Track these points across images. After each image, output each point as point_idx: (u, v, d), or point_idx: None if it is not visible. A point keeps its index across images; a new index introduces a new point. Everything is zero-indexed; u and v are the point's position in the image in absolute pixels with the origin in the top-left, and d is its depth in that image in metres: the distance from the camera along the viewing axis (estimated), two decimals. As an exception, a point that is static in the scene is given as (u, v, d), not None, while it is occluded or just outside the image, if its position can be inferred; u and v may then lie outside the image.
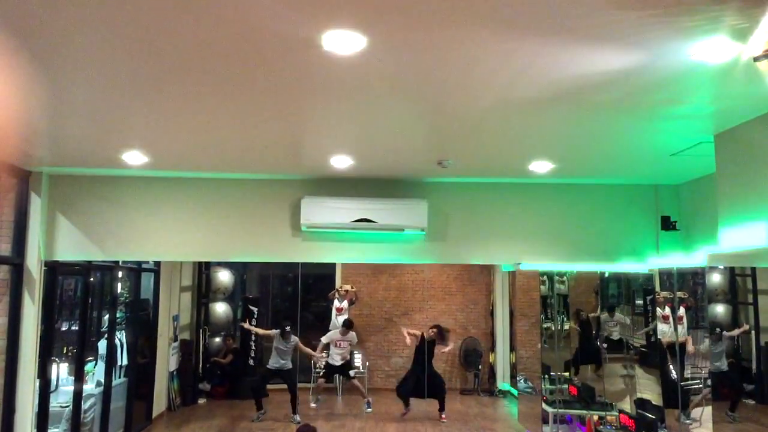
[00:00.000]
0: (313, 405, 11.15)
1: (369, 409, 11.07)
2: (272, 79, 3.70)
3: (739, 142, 4.65)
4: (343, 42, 3.10)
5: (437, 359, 12.91)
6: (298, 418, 10.17)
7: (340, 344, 11.21)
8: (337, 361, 11.14)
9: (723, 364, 6.33)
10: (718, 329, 6.47)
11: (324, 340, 11.27)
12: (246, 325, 11.93)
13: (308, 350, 10.84)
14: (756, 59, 3.18)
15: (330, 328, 12.42)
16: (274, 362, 10.48)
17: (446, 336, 10.85)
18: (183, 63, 3.43)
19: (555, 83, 3.70)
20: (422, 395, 10.47)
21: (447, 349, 11.22)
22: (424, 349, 10.62)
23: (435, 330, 10.74)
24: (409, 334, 10.88)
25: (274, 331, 10.73)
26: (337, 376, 12.12)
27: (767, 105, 4.18)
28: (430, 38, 3.07)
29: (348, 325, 11.39)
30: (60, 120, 4.65)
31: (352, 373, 11.42)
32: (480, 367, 12.92)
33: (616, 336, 8.34)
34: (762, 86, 3.75)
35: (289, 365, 10.53)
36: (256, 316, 12.24)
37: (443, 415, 10.45)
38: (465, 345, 13.06)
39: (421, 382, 10.42)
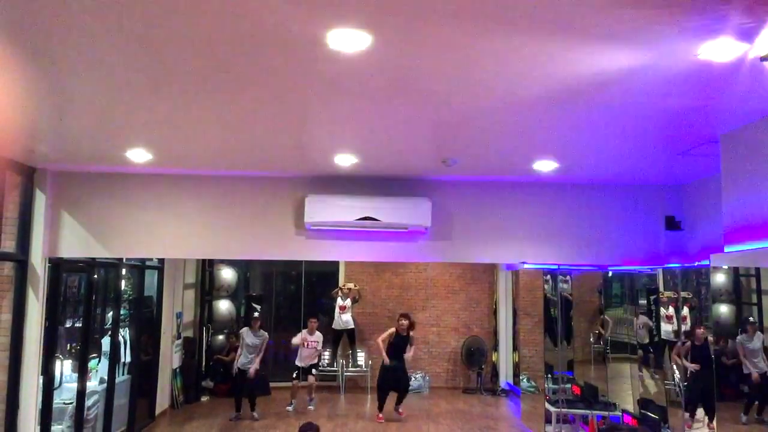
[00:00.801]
0: (288, 408, 10.71)
1: (311, 406, 10.93)
2: (277, 77, 3.70)
3: (745, 142, 4.63)
4: (348, 40, 3.10)
5: (439, 358, 12.94)
6: (256, 415, 10.10)
7: (308, 344, 10.96)
8: (304, 362, 10.89)
9: (761, 362, 6.11)
10: (751, 318, 6.31)
11: (294, 341, 11.07)
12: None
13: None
14: (763, 59, 3.18)
15: (333, 326, 12.42)
16: (243, 360, 10.23)
17: (413, 323, 10.64)
18: (188, 61, 3.44)
19: (560, 82, 3.70)
20: (395, 389, 10.33)
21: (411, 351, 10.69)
22: (399, 342, 10.46)
23: (405, 321, 10.41)
24: (382, 341, 10.53)
25: (243, 330, 10.56)
26: (339, 375, 12.14)
27: (773, 105, 4.17)
28: (435, 37, 3.07)
29: (314, 314, 11.32)
30: (64, 117, 4.65)
31: (313, 371, 11.11)
32: (483, 366, 12.90)
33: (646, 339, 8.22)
34: (768, 86, 3.74)
35: (256, 366, 10.28)
36: (259, 314, 12.24)
37: (401, 410, 10.31)
38: (468, 344, 13.05)
39: (395, 376, 10.30)
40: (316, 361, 11.23)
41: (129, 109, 4.43)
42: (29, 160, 6.32)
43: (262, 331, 10.43)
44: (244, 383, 10.28)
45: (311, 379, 11.00)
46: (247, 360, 10.24)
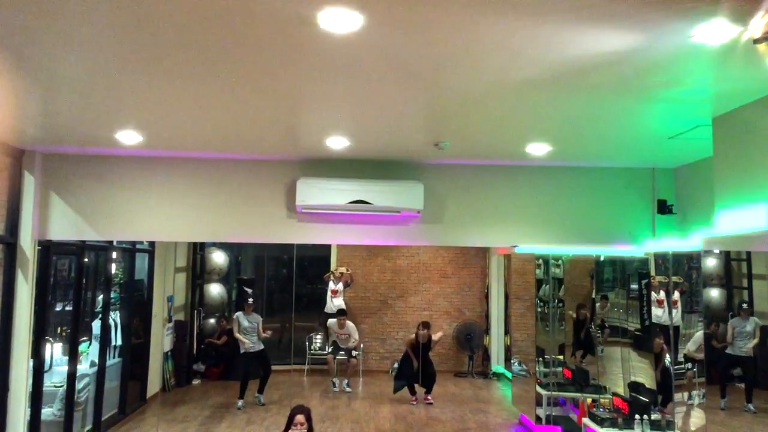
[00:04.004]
0: (335, 389, 11.22)
1: (349, 389, 11.27)
2: (268, 58, 3.66)
3: (737, 125, 4.63)
4: (339, 20, 3.06)
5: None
6: (263, 399, 10.15)
7: (339, 336, 11.43)
8: (341, 344, 11.42)
9: (747, 345, 6.12)
10: (745, 305, 6.31)
11: (328, 310, 11.85)
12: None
13: (263, 333, 10.45)
14: (756, 41, 3.16)
15: (325, 310, 12.43)
16: (248, 346, 10.24)
17: (431, 326, 11.05)
18: (177, 40, 3.39)
19: (553, 64, 3.67)
20: (418, 381, 10.54)
21: (437, 336, 11.21)
22: (419, 348, 10.67)
23: (426, 330, 10.80)
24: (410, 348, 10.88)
25: (237, 314, 10.59)
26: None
27: (766, 88, 4.16)
28: (427, 17, 3.03)
29: (341, 313, 11.58)
30: (53, 98, 4.60)
31: (354, 353, 11.57)
32: (475, 350, 12.95)
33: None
34: (761, 69, 3.72)
35: (261, 345, 10.32)
36: (250, 298, 12.24)
37: (429, 396, 10.54)
38: (462, 328, 13.07)
39: (416, 371, 10.50)
40: (351, 348, 11.58)
41: (118, 91, 4.38)
42: (18, 141, 6.26)
43: (254, 314, 10.42)
44: (250, 366, 10.28)
45: (353, 361, 11.51)
46: (252, 346, 10.22)
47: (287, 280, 13.34)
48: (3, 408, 6.29)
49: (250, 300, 10.68)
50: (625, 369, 8.11)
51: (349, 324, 11.59)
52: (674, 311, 7.25)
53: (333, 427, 9.01)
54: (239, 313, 10.50)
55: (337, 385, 11.28)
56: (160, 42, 3.42)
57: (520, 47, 3.41)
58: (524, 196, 7.10)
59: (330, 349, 11.57)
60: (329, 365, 11.49)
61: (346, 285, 12.73)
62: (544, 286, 9.84)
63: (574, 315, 9.54)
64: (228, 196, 6.90)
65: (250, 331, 10.26)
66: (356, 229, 6.96)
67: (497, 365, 12.91)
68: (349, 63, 3.73)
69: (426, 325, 10.92)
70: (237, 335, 10.33)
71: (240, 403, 9.99)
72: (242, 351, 10.29)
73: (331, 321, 11.71)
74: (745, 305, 6.30)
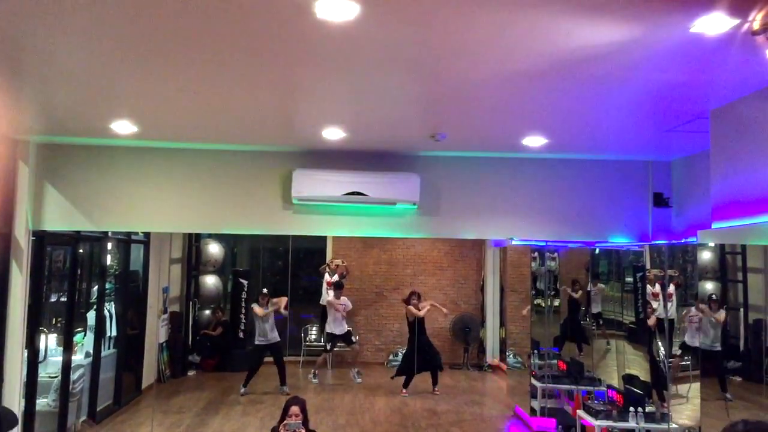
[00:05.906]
0: (314, 381, 11.27)
1: (359, 380, 11.33)
2: (263, 47, 3.64)
3: (735, 118, 4.62)
4: (336, 9, 3.04)
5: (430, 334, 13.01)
6: (286, 389, 10.20)
7: (337, 307, 11.34)
8: (338, 328, 11.30)
9: (716, 338, 6.20)
10: (713, 296, 6.35)
11: (323, 302, 11.80)
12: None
13: (283, 309, 10.68)
14: (754, 33, 3.15)
15: (321, 302, 12.42)
16: (261, 338, 10.39)
17: (421, 297, 11.06)
18: (172, 30, 3.37)
19: (550, 55, 3.65)
20: (420, 369, 10.55)
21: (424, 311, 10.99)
22: (415, 321, 10.64)
23: (415, 297, 10.84)
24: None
25: (253, 304, 10.79)
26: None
27: (764, 81, 4.15)
28: (424, 7, 3.01)
29: (339, 286, 11.62)
30: (48, 87, 4.57)
31: (354, 338, 11.69)
32: (470, 342, 12.97)
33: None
34: (759, 61, 3.71)
35: (277, 338, 10.47)
36: (246, 290, 12.26)
37: (436, 389, 10.55)
38: (457, 320, 13.08)
39: (419, 356, 10.49)
40: (348, 327, 11.59)
41: (113, 80, 4.35)
42: (12, 131, 6.22)
43: (272, 299, 10.54)
44: (262, 358, 10.44)
45: (356, 348, 11.84)
46: (265, 338, 10.36)
47: (283, 272, 13.34)
48: (-3, 398, 6.27)
49: (264, 290, 10.85)
50: (620, 362, 8.13)
51: (345, 298, 11.63)
52: (669, 304, 7.25)
53: (328, 418, 9.02)
54: (254, 305, 10.65)
55: (317, 377, 11.32)
56: (155, 31, 3.39)
57: (517, 38, 3.40)
58: (520, 188, 7.08)
59: (328, 346, 11.47)
60: (322, 360, 11.58)
61: (342, 277, 12.74)
62: (539, 278, 9.83)
63: (570, 291, 9.52)
64: (224, 187, 6.87)
65: (266, 322, 10.35)
66: (352, 221, 6.95)
67: (492, 357, 12.92)
68: (345, 53, 3.71)
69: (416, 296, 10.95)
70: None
71: (243, 389, 10.23)
72: (257, 342, 10.44)
73: (330, 293, 11.78)
74: (714, 297, 6.34)
